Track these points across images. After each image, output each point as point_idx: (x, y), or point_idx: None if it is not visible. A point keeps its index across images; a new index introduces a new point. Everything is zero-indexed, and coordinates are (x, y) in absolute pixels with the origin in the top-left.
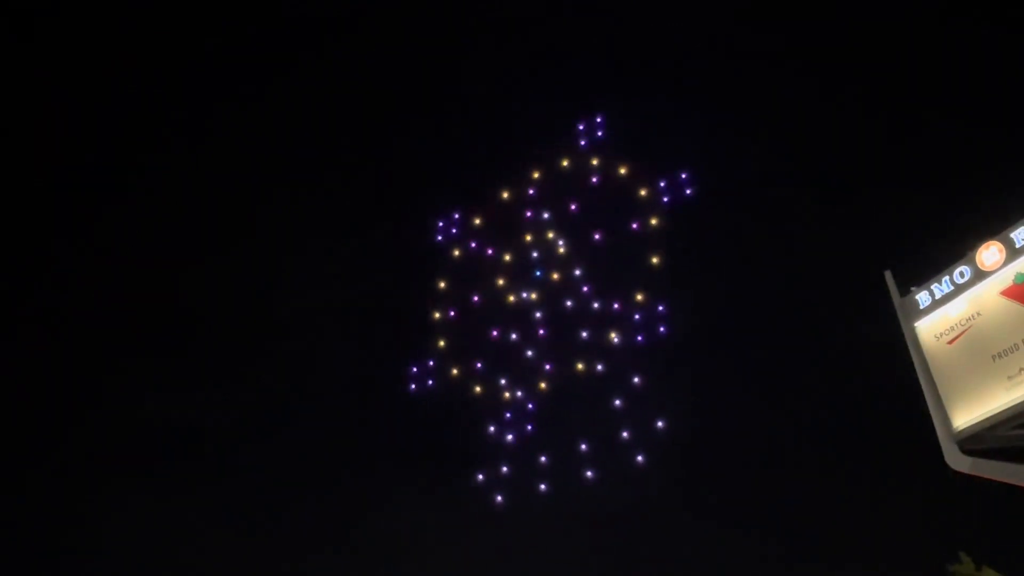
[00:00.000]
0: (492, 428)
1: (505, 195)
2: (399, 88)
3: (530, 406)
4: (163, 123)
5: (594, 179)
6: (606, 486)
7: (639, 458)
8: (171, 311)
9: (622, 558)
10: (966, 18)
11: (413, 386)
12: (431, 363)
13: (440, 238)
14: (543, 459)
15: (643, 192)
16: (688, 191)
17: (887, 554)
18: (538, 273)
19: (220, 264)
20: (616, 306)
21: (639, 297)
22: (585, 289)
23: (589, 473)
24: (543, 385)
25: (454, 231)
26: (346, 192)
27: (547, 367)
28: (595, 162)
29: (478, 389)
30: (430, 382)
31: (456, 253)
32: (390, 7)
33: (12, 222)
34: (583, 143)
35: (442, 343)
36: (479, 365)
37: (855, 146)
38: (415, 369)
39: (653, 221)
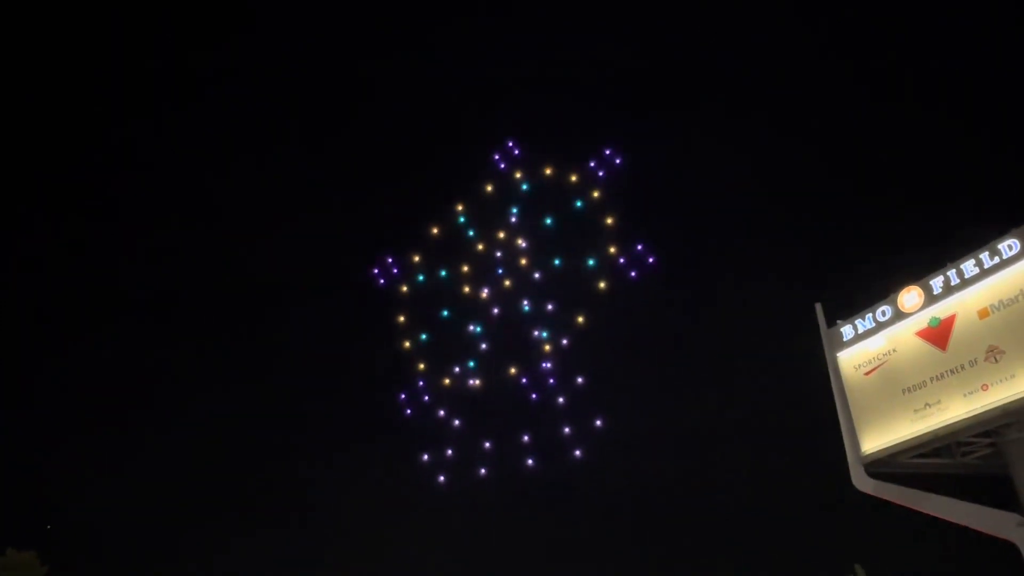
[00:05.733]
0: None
1: (435, 230)
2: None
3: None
4: None
5: (524, 187)
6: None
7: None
8: None
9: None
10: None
11: (408, 411)
12: (420, 383)
13: (383, 282)
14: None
15: (574, 178)
16: (618, 161)
17: (792, 564)
18: (500, 271)
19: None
20: (592, 262)
21: (611, 249)
22: (557, 262)
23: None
24: (547, 348)
25: (395, 271)
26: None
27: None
28: (519, 175)
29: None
30: (426, 398)
31: (404, 289)
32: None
33: None
34: (502, 166)
35: (422, 366)
36: (471, 364)
37: (802, 186)
38: (403, 396)
39: (595, 194)
